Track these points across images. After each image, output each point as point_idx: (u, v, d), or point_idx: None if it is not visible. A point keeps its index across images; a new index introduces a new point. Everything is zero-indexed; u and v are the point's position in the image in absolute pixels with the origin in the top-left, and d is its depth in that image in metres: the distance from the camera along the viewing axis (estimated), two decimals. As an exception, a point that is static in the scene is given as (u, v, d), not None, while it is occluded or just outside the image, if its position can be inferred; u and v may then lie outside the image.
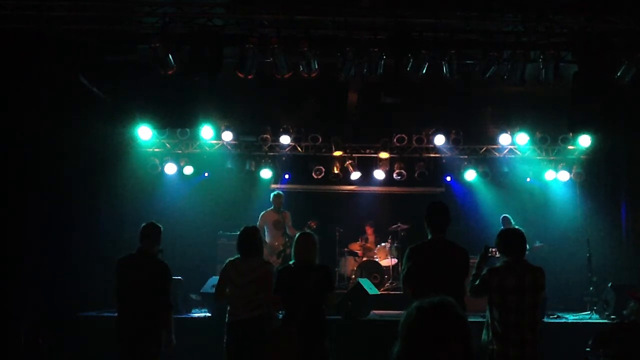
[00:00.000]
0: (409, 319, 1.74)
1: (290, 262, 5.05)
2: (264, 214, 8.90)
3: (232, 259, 5.09)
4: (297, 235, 5.11)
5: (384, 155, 10.25)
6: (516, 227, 8.19)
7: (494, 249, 4.63)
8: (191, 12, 6.48)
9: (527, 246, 4.56)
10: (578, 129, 8.37)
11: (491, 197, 10.27)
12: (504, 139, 9.86)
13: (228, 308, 5.01)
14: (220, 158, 10.26)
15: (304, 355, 4.66)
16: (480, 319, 4.53)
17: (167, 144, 10.12)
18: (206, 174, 10.44)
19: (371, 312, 7.64)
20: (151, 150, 10.05)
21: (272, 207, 8.93)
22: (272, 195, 9.01)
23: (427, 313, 1.72)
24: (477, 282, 4.41)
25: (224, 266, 5.08)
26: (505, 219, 8.95)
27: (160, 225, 5.25)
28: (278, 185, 10.39)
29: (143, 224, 5.20)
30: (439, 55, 6.70)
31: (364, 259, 9.67)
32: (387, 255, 9.89)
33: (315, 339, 4.80)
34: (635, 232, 9.43)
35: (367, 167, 10.45)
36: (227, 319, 4.99)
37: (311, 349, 4.73)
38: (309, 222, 8.90)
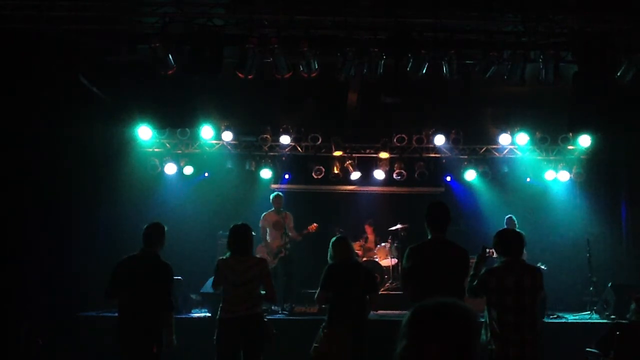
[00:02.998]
0: (413, 318, 1.73)
1: (334, 261, 5.10)
2: (265, 215, 8.90)
3: (223, 257, 5.09)
4: (333, 240, 5.21)
5: (384, 155, 10.25)
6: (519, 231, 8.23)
7: (491, 250, 4.64)
8: (191, 12, 6.48)
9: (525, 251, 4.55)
10: (578, 129, 8.37)
11: (491, 197, 10.27)
12: (504, 139, 9.86)
13: (221, 304, 5.01)
14: (220, 158, 10.26)
15: (354, 353, 4.75)
16: (481, 319, 4.53)
17: (167, 144, 10.12)
18: (206, 174, 10.43)
19: (371, 312, 7.64)
20: (151, 150, 10.05)
21: (273, 209, 8.94)
22: (271, 196, 9.01)
23: (432, 313, 1.72)
24: (475, 283, 4.41)
25: (216, 265, 5.07)
26: (509, 219, 8.93)
27: (165, 226, 5.24)
28: (278, 186, 10.38)
29: (147, 224, 5.19)
30: (439, 55, 6.70)
31: (364, 259, 9.67)
32: (387, 255, 9.90)
33: (363, 338, 4.88)
34: (635, 232, 9.43)
35: (367, 167, 10.44)
36: (219, 315, 4.99)
37: (359, 348, 4.83)
38: (308, 227, 8.92)
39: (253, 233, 5.30)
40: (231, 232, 5.10)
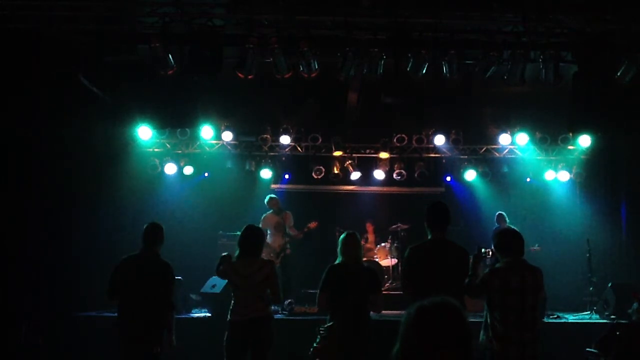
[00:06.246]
0: (410, 319, 1.73)
1: (337, 262, 5.02)
2: (265, 217, 8.90)
3: (233, 258, 5.07)
4: (342, 235, 5.11)
5: (384, 155, 10.25)
6: (510, 226, 8.28)
7: (488, 250, 4.62)
8: (191, 12, 6.48)
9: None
10: (578, 129, 8.36)
11: (491, 197, 10.27)
12: (504, 139, 9.86)
13: (231, 307, 5.00)
14: (220, 158, 10.26)
15: (354, 355, 4.72)
16: (480, 319, 4.53)
17: (167, 144, 10.12)
18: (206, 174, 10.43)
19: (371, 312, 7.64)
20: (151, 150, 10.05)
21: (272, 210, 8.95)
22: (266, 200, 9.02)
23: (429, 313, 1.72)
24: (477, 282, 4.40)
25: (221, 259, 5.07)
26: (500, 216, 8.97)
27: (162, 225, 5.24)
28: (278, 185, 10.39)
29: (145, 225, 5.19)
30: (439, 55, 6.70)
31: (364, 259, 9.67)
32: (387, 255, 9.90)
33: (363, 340, 4.84)
34: (635, 232, 9.43)
35: (367, 167, 10.44)
36: (229, 318, 4.98)
37: (359, 351, 4.79)
38: (309, 224, 8.95)
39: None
40: (245, 231, 5.10)
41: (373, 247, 10.09)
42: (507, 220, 8.83)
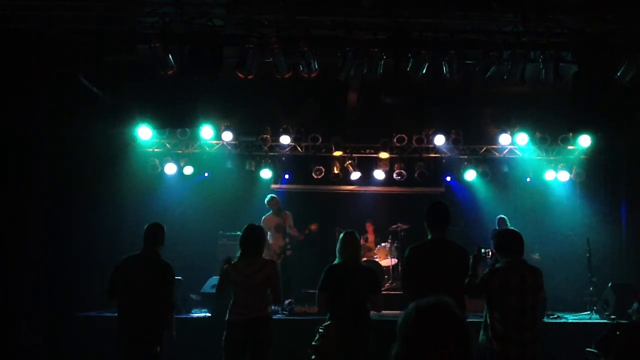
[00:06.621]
0: (408, 319, 1.73)
1: (336, 261, 5.01)
2: (265, 218, 8.88)
3: (232, 261, 5.06)
4: (342, 234, 5.09)
5: (384, 155, 10.25)
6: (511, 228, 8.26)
7: (488, 250, 4.63)
8: (191, 12, 6.48)
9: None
10: (578, 129, 8.37)
11: (491, 197, 10.27)
12: (504, 139, 9.86)
13: (230, 307, 4.99)
14: (220, 158, 10.25)
15: (353, 355, 4.68)
16: (480, 319, 4.53)
17: (167, 144, 10.12)
18: (206, 174, 10.43)
19: (371, 312, 7.63)
20: (151, 150, 10.04)
21: (272, 211, 8.94)
22: (266, 200, 9.01)
23: (426, 313, 1.72)
24: (477, 282, 4.40)
25: (223, 269, 5.02)
26: (501, 220, 8.94)
27: (164, 225, 5.24)
28: (278, 185, 10.39)
29: (147, 225, 5.18)
30: (439, 55, 6.70)
31: (364, 259, 9.67)
32: (387, 255, 9.90)
33: (362, 340, 4.81)
34: (635, 232, 9.43)
35: (367, 167, 10.44)
36: (228, 317, 4.97)
37: (358, 351, 4.77)
38: (310, 226, 8.94)
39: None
40: (245, 231, 5.08)
41: (373, 247, 10.10)
42: (509, 225, 8.80)
